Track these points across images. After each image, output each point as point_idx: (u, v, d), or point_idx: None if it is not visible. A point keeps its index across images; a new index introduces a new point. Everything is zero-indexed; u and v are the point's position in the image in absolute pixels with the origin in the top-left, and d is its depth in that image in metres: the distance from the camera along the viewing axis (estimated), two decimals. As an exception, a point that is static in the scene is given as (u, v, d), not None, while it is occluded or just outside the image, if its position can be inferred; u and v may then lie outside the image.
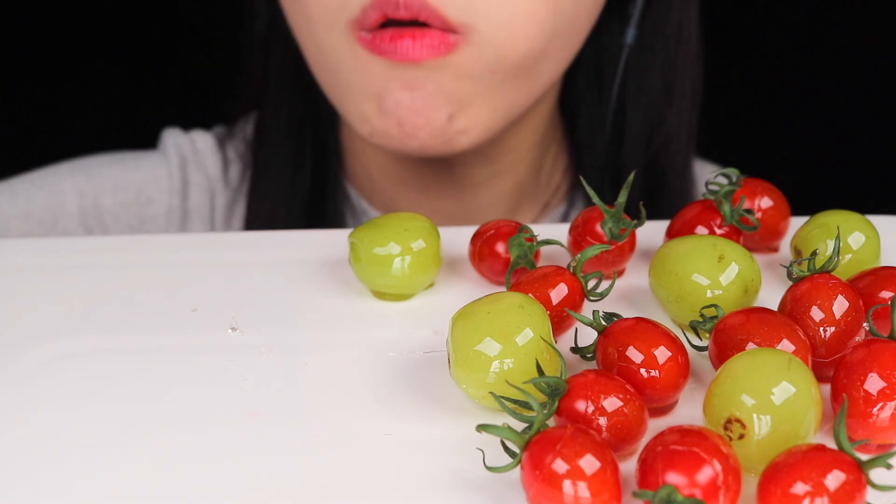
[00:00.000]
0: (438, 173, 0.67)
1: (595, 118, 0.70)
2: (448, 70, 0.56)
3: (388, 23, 0.56)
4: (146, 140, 0.77)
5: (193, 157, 0.74)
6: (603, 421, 0.34)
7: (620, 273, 0.46)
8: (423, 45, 0.55)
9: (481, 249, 0.45)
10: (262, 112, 0.71)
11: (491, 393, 0.36)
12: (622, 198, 0.44)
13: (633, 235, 0.45)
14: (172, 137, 0.75)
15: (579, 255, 0.42)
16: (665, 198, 0.70)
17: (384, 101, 0.57)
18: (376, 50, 0.56)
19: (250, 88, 0.73)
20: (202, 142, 0.74)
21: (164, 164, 0.73)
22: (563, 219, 0.72)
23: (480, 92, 0.58)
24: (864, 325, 0.39)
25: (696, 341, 0.41)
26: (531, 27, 0.57)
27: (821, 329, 0.38)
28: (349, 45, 0.57)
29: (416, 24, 0.55)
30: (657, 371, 0.36)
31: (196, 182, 0.73)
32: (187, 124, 0.77)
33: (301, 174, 0.70)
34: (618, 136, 0.69)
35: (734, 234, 0.45)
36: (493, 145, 0.66)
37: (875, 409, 0.35)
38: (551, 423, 0.35)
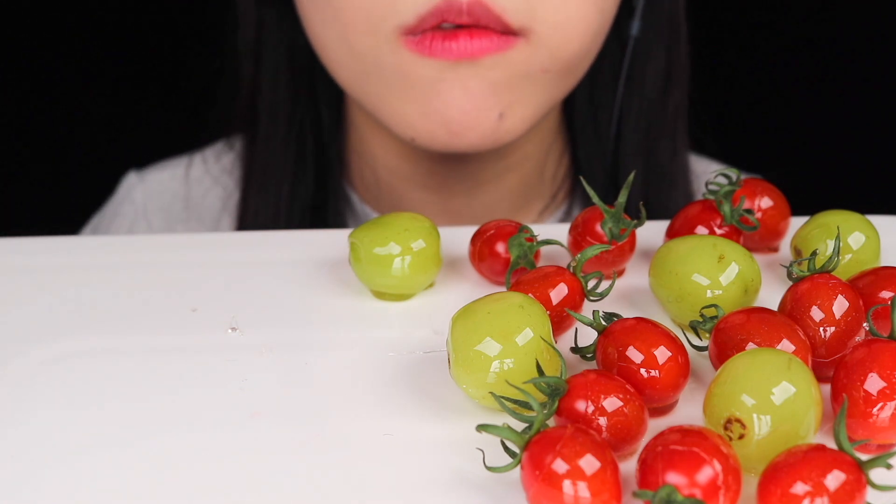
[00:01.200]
0: (452, 172, 0.67)
1: (591, 109, 0.70)
2: (503, 67, 0.56)
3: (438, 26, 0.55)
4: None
5: (156, 199, 0.74)
6: (603, 421, 0.34)
7: (620, 273, 0.46)
8: (482, 43, 0.55)
9: (481, 249, 0.45)
10: (257, 122, 0.70)
11: (491, 393, 0.36)
12: (622, 198, 0.44)
13: (633, 235, 0.45)
14: (128, 190, 0.75)
15: (579, 255, 0.42)
16: (663, 188, 0.70)
17: (432, 101, 0.56)
18: (426, 52, 0.55)
19: (244, 97, 0.71)
20: (157, 182, 0.75)
21: (131, 214, 0.74)
22: (568, 212, 0.72)
23: (530, 90, 0.58)
24: (864, 325, 0.39)
25: (696, 341, 0.41)
26: (583, 27, 0.57)
27: (821, 329, 0.38)
28: (391, 48, 0.56)
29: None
30: (657, 371, 0.36)
31: (158, 224, 0.74)
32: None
33: (302, 183, 0.69)
34: (616, 126, 0.69)
35: (734, 234, 0.45)
36: None
37: (875, 409, 0.35)
38: (551, 423, 0.35)
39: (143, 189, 0.76)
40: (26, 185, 1.05)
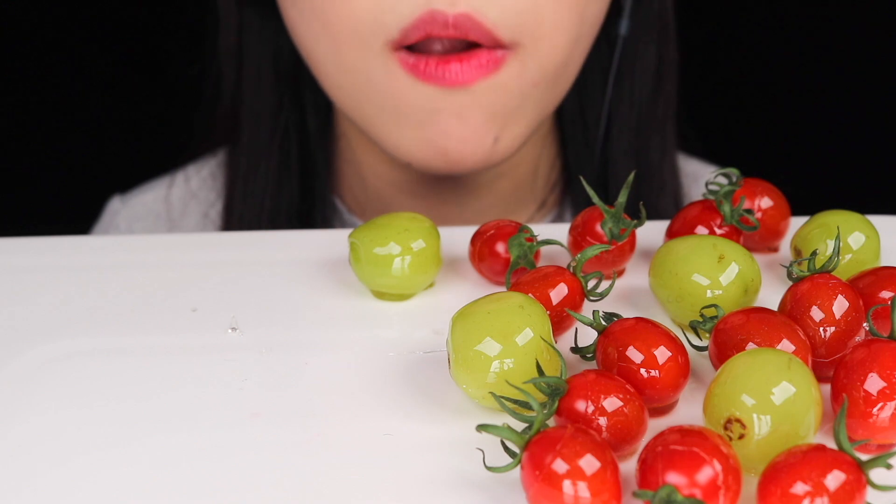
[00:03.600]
0: (443, 180, 0.66)
1: (579, 110, 0.70)
2: (497, 90, 0.56)
3: (425, 48, 0.55)
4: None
5: (139, 223, 0.74)
6: (603, 421, 0.34)
7: (620, 273, 0.46)
8: (472, 67, 0.54)
9: (481, 249, 0.45)
10: (239, 129, 0.69)
11: (491, 393, 0.36)
12: (622, 198, 0.44)
13: (633, 235, 0.45)
14: (111, 216, 0.75)
15: (579, 255, 0.42)
16: (653, 188, 0.70)
17: (429, 130, 0.56)
18: (421, 76, 0.55)
19: (226, 104, 0.70)
20: (141, 205, 0.75)
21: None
22: (559, 216, 0.72)
23: (522, 106, 0.57)
24: (864, 325, 0.39)
25: (696, 341, 0.41)
26: (563, 35, 0.57)
27: (821, 329, 0.38)
28: (384, 68, 0.56)
29: (462, 46, 0.55)
30: (657, 371, 0.36)
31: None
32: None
33: (287, 191, 0.69)
34: (605, 126, 0.69)
35: (734, 234, 0.45)
36: None
37: (875, 409, 0.35)
38: (551, 423, 0.35)
39: (126, 214, 0.76)
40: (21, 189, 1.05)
